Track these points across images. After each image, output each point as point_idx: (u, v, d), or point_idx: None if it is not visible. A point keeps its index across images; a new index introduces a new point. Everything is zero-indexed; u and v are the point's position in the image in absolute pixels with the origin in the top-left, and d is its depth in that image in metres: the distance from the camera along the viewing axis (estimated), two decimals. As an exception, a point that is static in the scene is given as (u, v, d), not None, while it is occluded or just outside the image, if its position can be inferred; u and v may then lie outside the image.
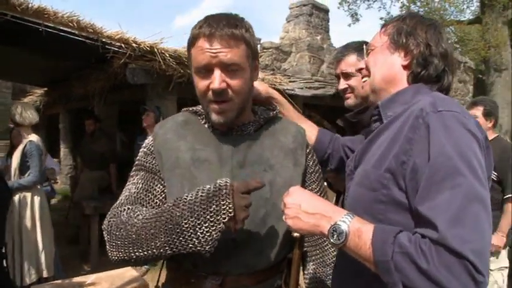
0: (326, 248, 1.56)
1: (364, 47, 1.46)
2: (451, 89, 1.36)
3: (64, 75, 6.57)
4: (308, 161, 1.53)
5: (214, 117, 1.35)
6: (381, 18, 20.67)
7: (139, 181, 1.44)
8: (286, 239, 1.40)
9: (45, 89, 8.51)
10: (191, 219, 1.16)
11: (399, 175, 1.11)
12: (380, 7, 17.86)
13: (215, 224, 1.15)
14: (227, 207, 1.16)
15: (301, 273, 1.55)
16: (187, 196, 1.21)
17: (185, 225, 1.17)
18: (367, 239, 1.03)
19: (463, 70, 14.95)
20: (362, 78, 1.48)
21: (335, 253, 1.53)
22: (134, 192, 1.41)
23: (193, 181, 1.34)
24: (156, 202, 1.41)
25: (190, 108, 1.53)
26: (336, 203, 2.39)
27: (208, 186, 1.20)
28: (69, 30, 4.23)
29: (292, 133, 1.51)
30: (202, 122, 1.47)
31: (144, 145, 1.51)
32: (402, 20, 1.37)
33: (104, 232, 1.35)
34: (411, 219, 1.09)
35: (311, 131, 1.88)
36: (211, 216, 1.16)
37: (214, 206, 1.16)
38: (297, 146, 1.49)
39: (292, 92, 6.16)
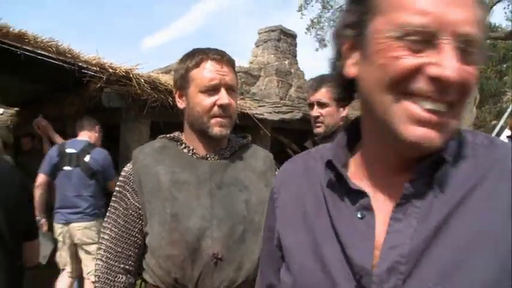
0: None
1: None
2: None
3: (38, 96, 6.62)
4: None
5: (216, 130, 1.52)
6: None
7: (117, 225, 1.55)
8: None
9: (16, 108, 8.48)
10: None
11: None
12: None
13: None
14: None
15: None
16: None
17: None
18: None
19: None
20: None
21: None
22: (114, 245, 1.54)
23: (174, 202, 1.47)
24: (136, 241, 1.54)
25: (167, 135, 1.65)
26: None
27: None
28: (47, 54, 4.35)
29: (262, 158, 1.68)
30: (181, 148, 1.60)
31: (123, 173, 1.62)
32: None
33: None
34: None
35: None
36: None
37: None
38: (267, 169, 1.65)
39: (261, 116, 6.38)
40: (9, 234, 1.72)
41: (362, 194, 0.80)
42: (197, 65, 1.52)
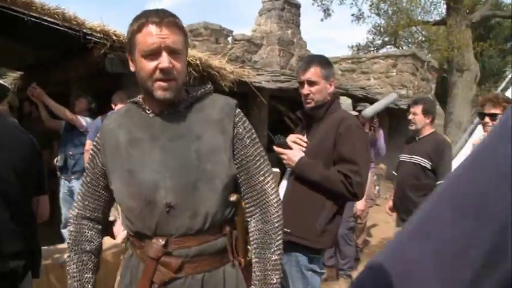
0: (265, 207, 1.67)
1: None
2: None
3: (42, 61, 6.81)
4: (237, 128, 1.64)
5: (159, 93, 1.51)
6: (352, 15, 21.29)
7: (86, 183, 1.73)
8: (221, 200, 1.57)
9: (21, 72, 8.62)
10: None
11: None
12: (352, 3, 18.32)
13: None
14: None
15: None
16: None
17: None
18: None
19: (426, 69, 15.49)
20: None
21: (275, 211, 1.66)
22: (82, 198, 1.73)
23: (130, 159, 1.56)
24: (101, 196, 1.72)
25: (132, 100, 1.70)
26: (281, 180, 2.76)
27: None
28: (53, 20, 4.52)
29: (219, 105, 1.66)
30: (140, 110, 1.65)
31: (96, 138, 1.73)
32: None
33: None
34: None
35: None
36: None
37: None
38: (224, 116, 1.63)
39: (259, 84, 6.57)
40: (17, 187, 1.97)
41: None
42: (139, 30, 1.50)
